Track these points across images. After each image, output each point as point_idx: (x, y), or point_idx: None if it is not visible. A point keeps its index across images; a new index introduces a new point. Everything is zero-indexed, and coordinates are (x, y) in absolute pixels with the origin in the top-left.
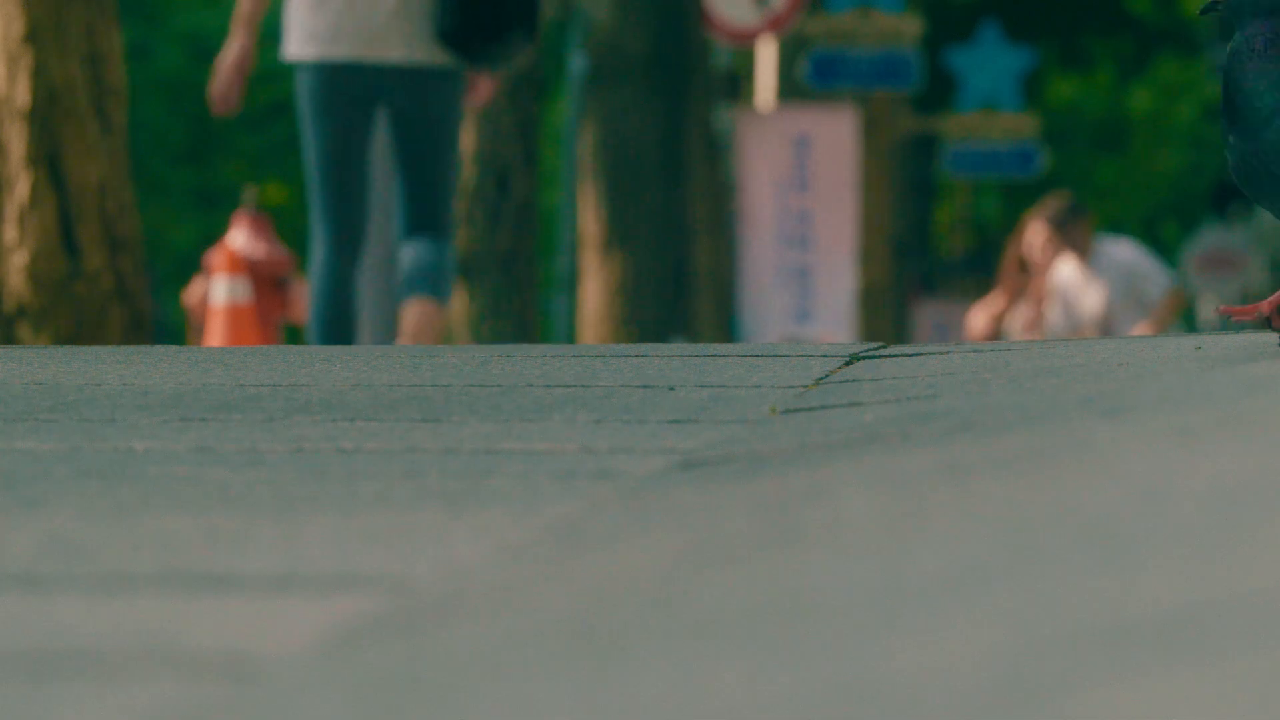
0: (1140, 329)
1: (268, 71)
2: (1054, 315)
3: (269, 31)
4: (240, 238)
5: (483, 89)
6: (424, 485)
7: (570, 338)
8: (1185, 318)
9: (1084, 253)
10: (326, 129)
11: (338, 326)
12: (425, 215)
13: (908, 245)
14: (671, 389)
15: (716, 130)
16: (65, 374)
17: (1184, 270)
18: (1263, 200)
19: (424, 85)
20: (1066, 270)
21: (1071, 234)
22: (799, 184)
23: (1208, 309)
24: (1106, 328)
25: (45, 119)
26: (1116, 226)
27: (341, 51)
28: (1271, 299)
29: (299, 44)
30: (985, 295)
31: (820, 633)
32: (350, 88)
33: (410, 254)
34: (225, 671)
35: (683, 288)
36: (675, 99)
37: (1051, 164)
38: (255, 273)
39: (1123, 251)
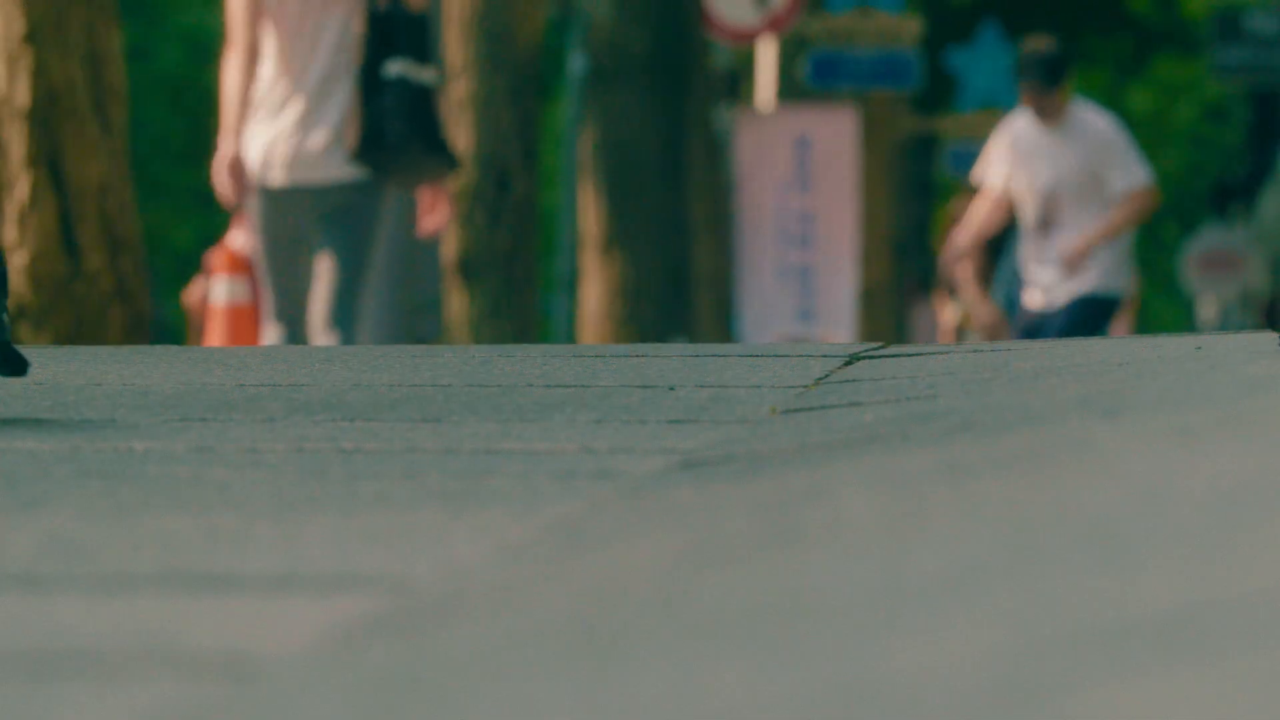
0: (1091, 228)
1: None
2: (996, 177)
3: None
4: (240, 238)
5: (436, 213)
6: (424, 485)
7: (570, 338)
8: (1185, 318)
9: (1055, 114)
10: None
11: None
12: (340, 305)
13: (908, 245)
14: (671, 389)
15: (716, 130)
16: (65, 374)
17: (1184, 270)
18: None
19: (347, 196)
20: (1024, 126)
21: (1052, 92)
22: (799, 184)
23: (1208, 309)
24: (1050, 209)
25: (45, 119)
26: None
27: (277, 178)
28: None
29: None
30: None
31: (820, 633)
32: (287, 206)
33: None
34: (225, 671)
35: (683, 288)
36: (675, 99)
37: None
38: (255, 273)
39: (1099, 122)
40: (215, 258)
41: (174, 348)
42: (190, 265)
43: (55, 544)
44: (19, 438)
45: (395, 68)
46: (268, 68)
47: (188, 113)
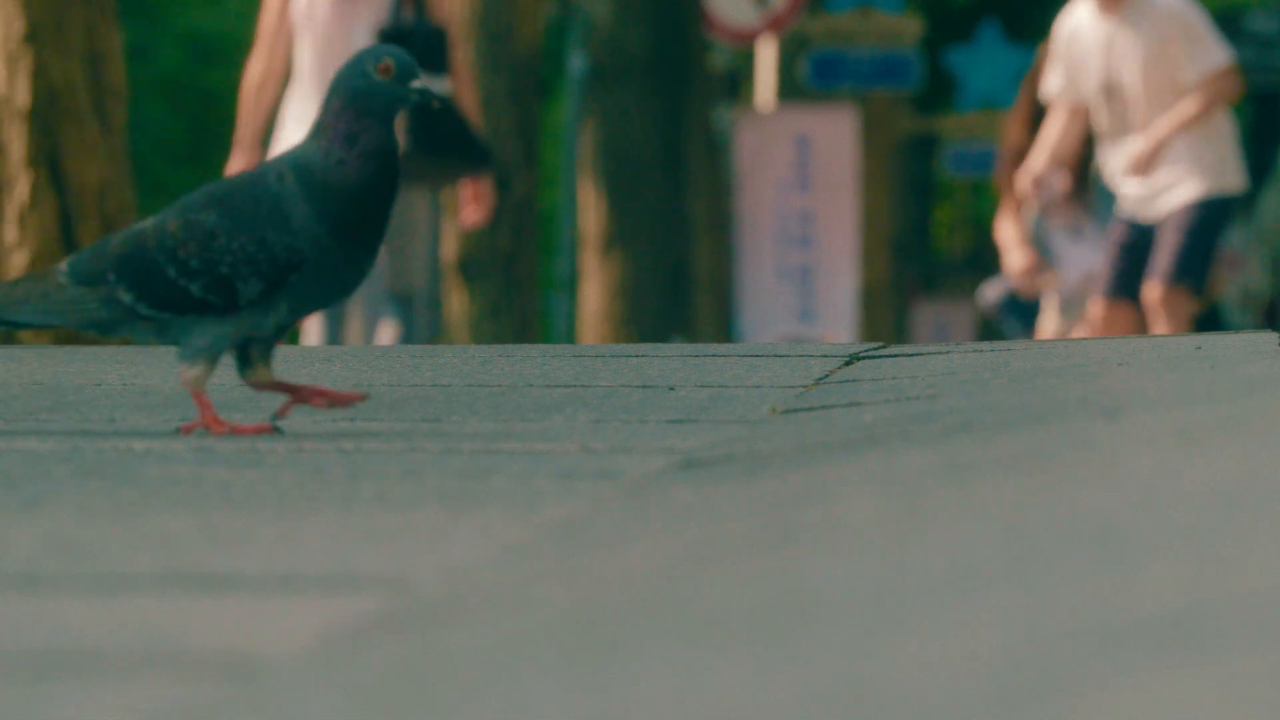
0: (1173, 113)
1: None
2: (1056, 84)
3: None
4: None
5: (478, 205)
6: (424, 485)
7: (570, 338)
8: None
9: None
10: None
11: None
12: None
13: (908, 245)
14: (671, 389)
15: (716, 130)
16: (65, 374)
17: None
18: None
19: None
20: (1082, 18)
21: None
22: (799, 184)
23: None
24: (1122, 110)
25: (45, 119)
26: None
27: None
28: None
29: None
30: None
31: (820, 633)
32: None
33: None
34: (225, 671)
35: (683, 288)
36: (675, 99)
37: None
38: None
39: (1176, 2)
40: None
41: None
42: None
43: (55, 544)
44: (19, 438)
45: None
46: (298, 80)
47: (188, 113)
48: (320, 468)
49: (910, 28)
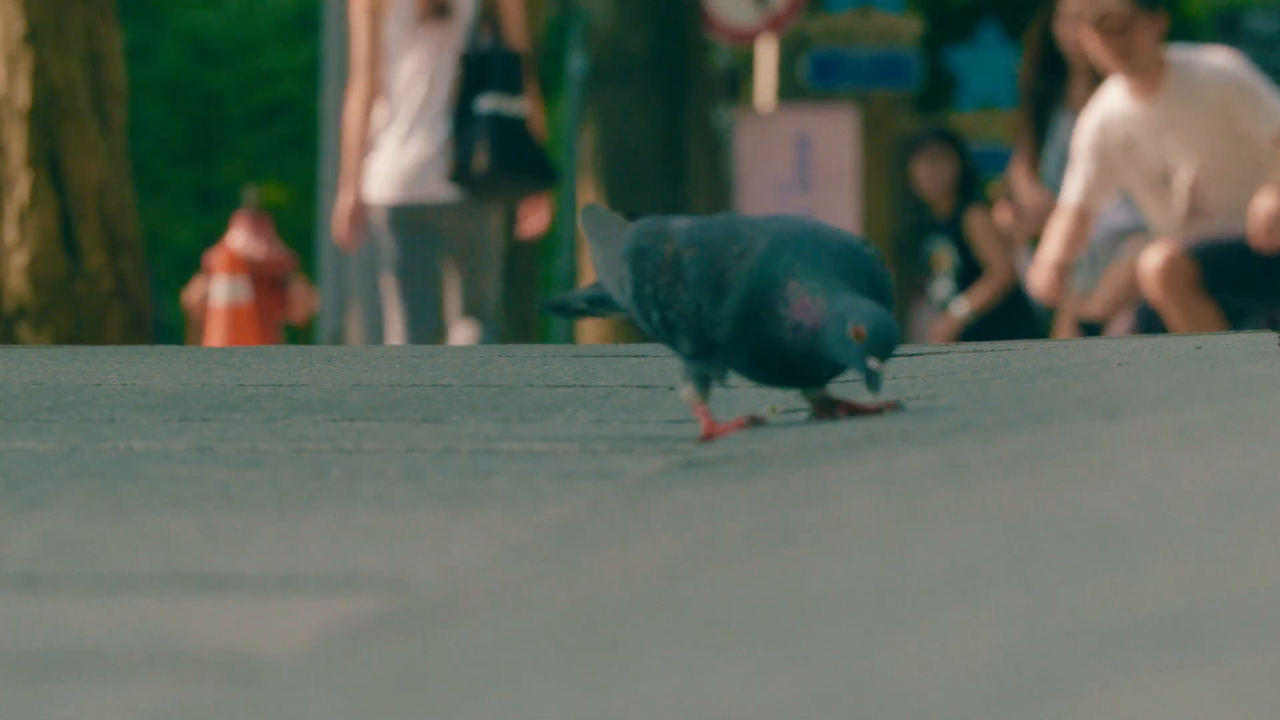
0: (1268, 197)
1: (269, 71)
2: (1077, 187)
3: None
4: (240, 238)
5: (535, 219)
6: (424, 485)
7: (570, 338)
8: None
9: (1152, 69)
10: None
11: None
12: (470, 302)
13: (908, 245)
14: (671, 389)
15: (716, 130)
16: (65, 374)
17: None
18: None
19: (456, 214)
20: (1117, 100)
21: (1139, 35)
22: (799, 184)
23: None
24: (1197, 200)
25: (45, 119)
26: None
27: (400, 198)
28: None
29: (376, 188)
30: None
31: (820, 633)
32: (411, 223)
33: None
34: (225, 671)
35: None
36: (675, 99)
37: None
38: (255, 273)
39: (1221, 61)
40: (215, 258)
41: (174, 348)
42: (190, 265)
43: (55, 544)
44: (19, 438)
45: (488, 102)
46: (392, 103)
47: (188, 113)
48: (320, 468)
49: (910, 28)
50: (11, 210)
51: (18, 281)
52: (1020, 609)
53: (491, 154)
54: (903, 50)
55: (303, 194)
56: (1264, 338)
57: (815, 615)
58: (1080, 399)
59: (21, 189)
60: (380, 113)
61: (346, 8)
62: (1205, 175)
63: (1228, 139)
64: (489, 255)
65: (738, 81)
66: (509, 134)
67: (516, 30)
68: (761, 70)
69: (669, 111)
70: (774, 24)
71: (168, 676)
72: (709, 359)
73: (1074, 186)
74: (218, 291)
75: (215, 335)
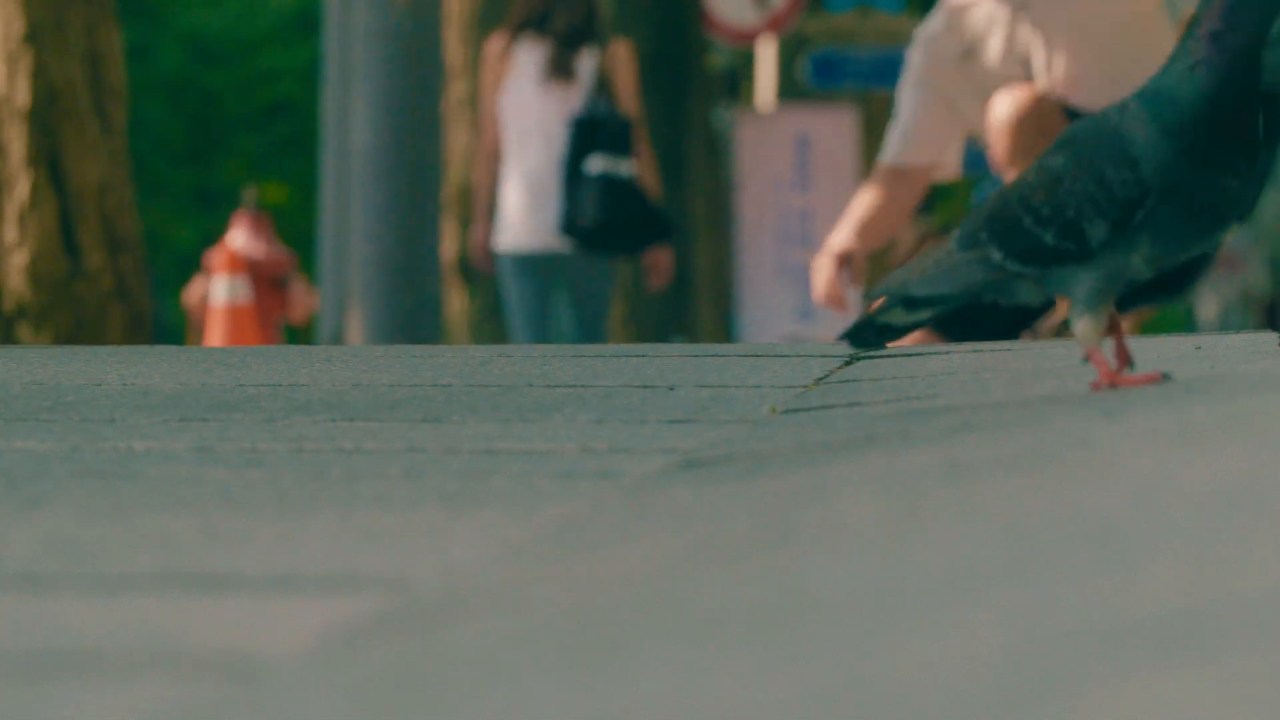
0: None
1: (269, 71)
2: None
3: (270, 32)
4: (240, 238)
5: (658, 273)
6: (424, 485)
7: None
8: (1185, 318)
9: None
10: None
11: None
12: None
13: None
14: (671, 389)
15: (716, 130)
16: (65, 374)
17: None
18: None
19: (573, 263)
20: (939, 17)
21: None
22: (799, 184)
23: (1208, 309)
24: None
25: (45, 119)
26: None
27: (524, 243)
28: None
29: (502, 235)
30: None
31: (820, 633)
32: (529, 268)
33: None
34: (225, 671)
35: (682, 287)
36: (675, 99)
37: None
38: (255, 273)
39: None
40: (215, 258)
41: (174, 348)
42: (190, 265)
43: (55, 544)
44: (19, 438)
45: (597, 164)
46: (517, 158)
47: (188, 113)
48: (320, 468)
49: (910, 28)
50: (11, 210)
51: (18, 281)
52: (1020, 609)
53: (599, 211)
54: (903, 50)
55: (303, 194)
56: (1264, 338)
57: (815, 615)
58: (1080, 399)
59: (21, 189)
60: (502, 164)
61: (347, 8)
62: (1075, 68)
63: (1108, 20)
64: (602, 303)
65: (738, 81)
66: (618, 193)
67: (628, 98)
68: (761, 70)
69: (669, 111)
70: (774, 24)
71: (168, 676)
72: (1132, 239)
73: (888, 143)
74: (218, 291)
75: (215, 335)
